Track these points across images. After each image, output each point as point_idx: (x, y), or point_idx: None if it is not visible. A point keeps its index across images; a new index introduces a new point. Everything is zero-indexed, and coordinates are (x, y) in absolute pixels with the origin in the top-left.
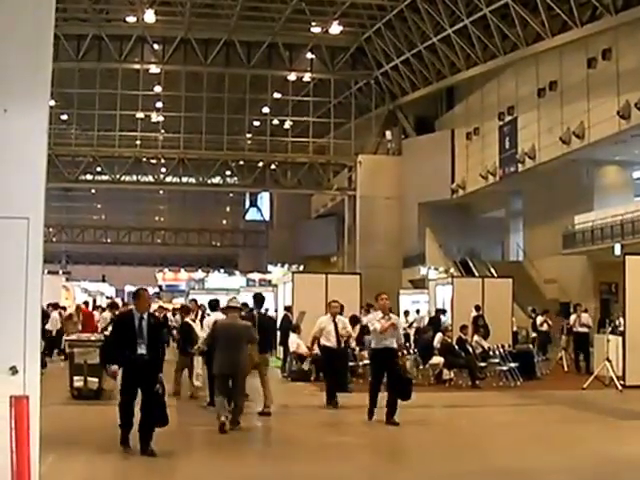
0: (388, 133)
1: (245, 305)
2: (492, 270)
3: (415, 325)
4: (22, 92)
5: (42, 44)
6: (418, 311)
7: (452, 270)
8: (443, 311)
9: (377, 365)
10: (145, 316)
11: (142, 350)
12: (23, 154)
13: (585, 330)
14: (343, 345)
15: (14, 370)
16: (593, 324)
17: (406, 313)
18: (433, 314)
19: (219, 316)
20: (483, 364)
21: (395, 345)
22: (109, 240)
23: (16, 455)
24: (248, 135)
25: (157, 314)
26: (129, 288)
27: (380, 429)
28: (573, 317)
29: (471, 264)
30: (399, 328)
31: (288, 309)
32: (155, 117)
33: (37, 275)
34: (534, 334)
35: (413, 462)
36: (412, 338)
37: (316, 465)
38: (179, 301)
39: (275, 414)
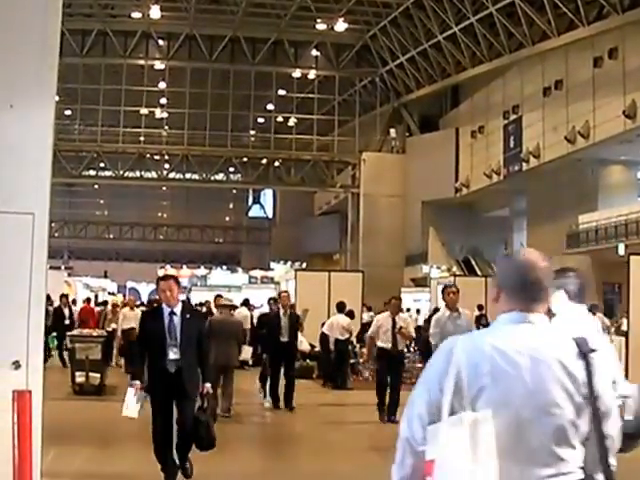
0: (392, 131)
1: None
2: (495, 269)
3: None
4: (28, 88)
5: (48, 40)
6: (418, 311)
7: (455, 269)
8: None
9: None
10: (177, 310)
11: (173, 355)
12: (29, 149)
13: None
14: (403, 347)
15: (17, 365)
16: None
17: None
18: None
19: (244, 312)
20: None
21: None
22: (112, 236)
23: (18, 449)
24: (252, 132)
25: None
26: (131, 284)
27: (382, 427)
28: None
29: (474, 263)
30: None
31: (291, 307)
32: (159, 113)
33: (41, 270)
34: None
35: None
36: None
37: (318, 463)
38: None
39: (277, 411)
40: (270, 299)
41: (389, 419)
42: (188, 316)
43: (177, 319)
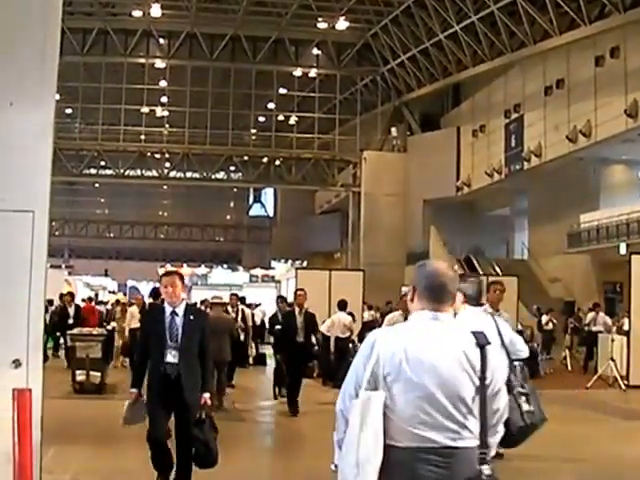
0: (393, 130)
1: (243, 299)
2: (496, 268)
3: None
4: (28, 85)
5: (49, 38)
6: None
7: (456, 268)
8: None
9: None
10: (180, 310)
11: (172, 358)
12: (29, 147)
13: (600, 329)
14: None
15: (17, 363)
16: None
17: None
18: None
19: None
20: None
21: None
22: (112, 234)
23: (18, 447)
24: (253, 130)
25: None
26: (131, 283)
27: None
28: (590, 315)
29: (475, 262)
30: None
31: (290, 305)
32: (160, 112)
33: (41, 268)
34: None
35: None
36: None
37: (319, 462)
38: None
39: (277, 410)
40: (279, 297)
41: None
42: (192, 317)
43: (179, 319)
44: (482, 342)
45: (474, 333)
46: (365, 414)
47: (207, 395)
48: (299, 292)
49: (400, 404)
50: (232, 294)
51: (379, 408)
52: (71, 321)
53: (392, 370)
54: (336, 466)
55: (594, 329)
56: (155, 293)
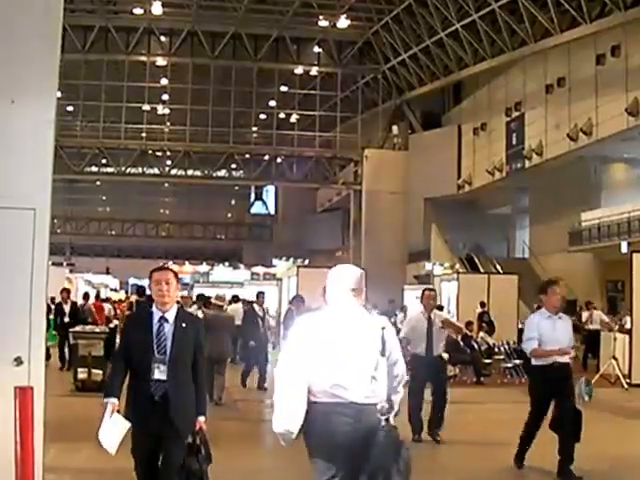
0: (395, 128)
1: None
2: (498, 266)
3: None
4: (30, 83)
5: (50, 35)
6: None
7: (457, 266)
8: (440, 308)
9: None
10: (170, 315)
11: (159, 374)
12: (30, 145)
13: (597, 327)
14: (443, 351)
15: (19, 361)
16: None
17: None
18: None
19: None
20: (488, 361)
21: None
22: (113, 232)
23: (20, 446)
24: (254, 128)
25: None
26: (133, 280)
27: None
28: (586, 314)
29: (477, 260)
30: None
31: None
32: (161, 109)
33: (43, 266)
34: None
35: (418, 457)
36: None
37: None
38: (183, 294)
39: None
40: (296, 297)
41: (433, 438)
42: (184, 324)
43: (169, 327)
44: (382, 325)
45: (377, 319)
46: (293, 379)
47: (202, 419)
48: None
49: (320, 370)
50: (259, 292)
51: (304, 373)
52: (67, 319)
53: (314, 345)
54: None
55: (591, 327)
56: (142, 291)
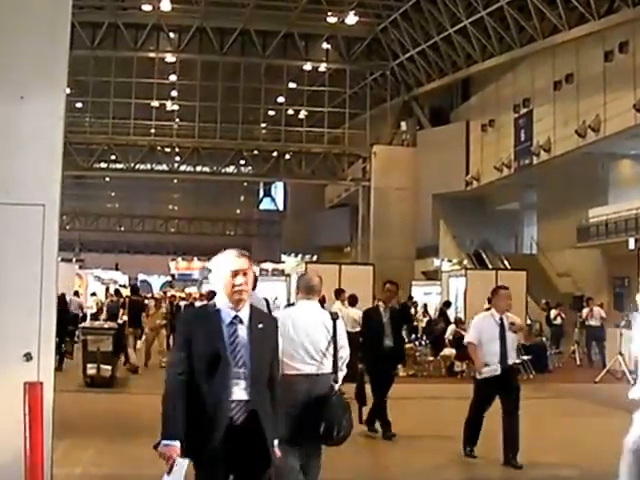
0: (403, 124)
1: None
2: (505, 263)
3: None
4: (39, 79)
5: (59, 31)
6: (425, 306)
7: (465, 262)
8: (448, 303)
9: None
10: (244, 314)
11: (240, 393)
12: (40, 141)
13: (597, 323)
14: (518, 361)
15: (28, 356)
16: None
17: (414, 304)
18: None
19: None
20: None
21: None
22: (122, 228)
23: (30, 441)
24: (263, 125)
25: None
26: (142, 276)
27: (396, 422)
28: (585, 310)
29: (484, 256)
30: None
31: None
32: (170, 106)
33: (52, 262)
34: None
35: (424, 453)
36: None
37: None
38: (192, 290)
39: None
40: (338, 290)
41: (510, 463)
42: (261, 325)
43: (244, 330)
44: (334, 317)
45: (330, 312)
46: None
47: (277, 442)
48: (388, 285)
49: (287, 349)
50: (339, 289)
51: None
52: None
53: (284, 330)
54: None
55: (592, 323)
56: (135, 289)
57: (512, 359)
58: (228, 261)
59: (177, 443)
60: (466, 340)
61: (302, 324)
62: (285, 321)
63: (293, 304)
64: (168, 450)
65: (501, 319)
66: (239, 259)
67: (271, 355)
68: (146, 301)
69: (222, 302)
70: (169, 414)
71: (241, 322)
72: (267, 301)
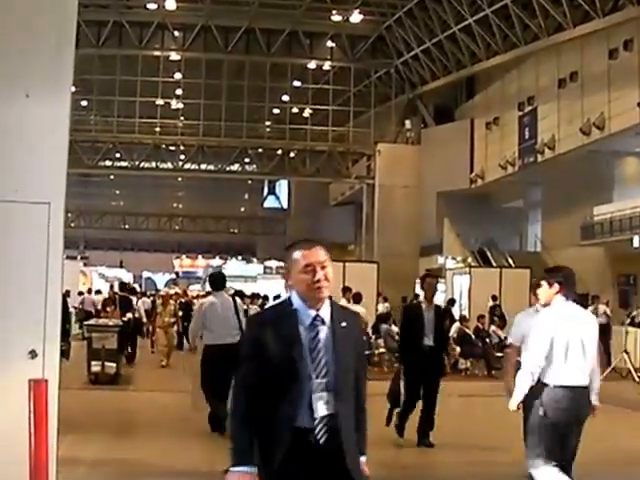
0: (407, 122)
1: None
2: (510, 260)
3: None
4: (44, 77)
5: (64, 30)
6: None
7: (470, 260)
8: (452, 301)
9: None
10: (325, 313)
11: (323, 407)
12: (45, 139)
13: (603, 321)
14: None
15: (33, 354)
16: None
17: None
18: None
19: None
20: (499, 354)
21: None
22: (127, 226)
23: (34, 437)
24: (267, 123)
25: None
26: (147, 274)
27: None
28: (590, 308)
29: (489, 254)
30: None
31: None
32: (175, 104)
33: (58, 259)
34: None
35: (428, 450)
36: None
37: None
38: (196, 287)
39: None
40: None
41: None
42: (344, 324)
43: (326, 331)
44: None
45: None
46: None
47: (364, 459)
48: (428, 279)
49: None
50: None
51: None
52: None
53: None
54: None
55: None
56: (125, 286)
57: None
58: (302, 254)
59: (250, 469)
60: (508, 341)
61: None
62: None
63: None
64: (239, 478)
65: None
66: (315, 251)
67: (356, 359)
68: (147, 299)
69: (297, 302)
70: (238, 436)
71: (323, 322)
72: (235, 300)
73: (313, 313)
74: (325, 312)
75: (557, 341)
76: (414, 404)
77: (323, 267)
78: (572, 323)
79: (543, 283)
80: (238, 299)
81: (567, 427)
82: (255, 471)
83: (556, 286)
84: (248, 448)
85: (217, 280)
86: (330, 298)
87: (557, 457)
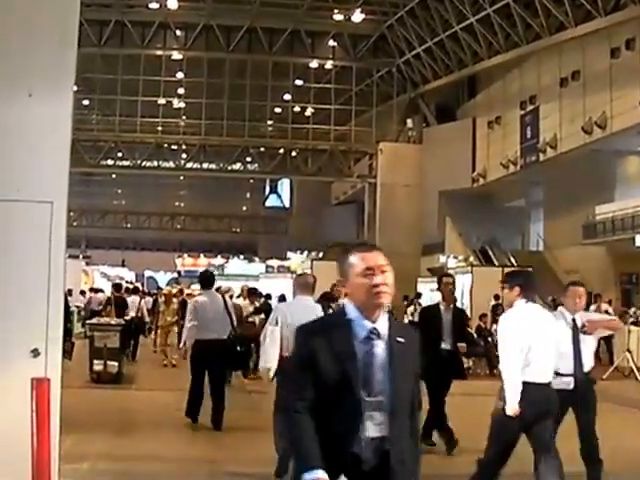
0: (409, 121)
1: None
2: (512, 259)
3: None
4: (47, 77)
5: (67, 30)
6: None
7: (472, 259)
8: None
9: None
10: (382, 326)
11: (375, 429)
12: (47, 138)
13: None
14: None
15: (36, 353)
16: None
17: (418, 296)
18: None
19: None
20: None
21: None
22: (129, 225)
23: (37, 436)
24: (269, 122)
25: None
26: (149, 273)
27: None
28: (593, 307)
29: (491, 253)
30: None
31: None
32: (177, 103)
33: (60, 258)
34: None
35: (430, 449)
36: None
37: None
38: (197, 287)
39: None
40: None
41: None
42: (401, 339)
43: (382, 346)
44: (326, 308)
45: (323, 305)
46: (272, 337)
47: None
48: (445, 278)
49: (285, 333)
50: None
51: (278, 334)
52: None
53: (285, 318)
54: None
55: None
56: (118, 287)
57: (588, 367)
58: (362, 256)
59: (321, 472)
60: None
61: (298, 316)
62: (285, 311)
63: (285, 299)
64: (315, 478)
65: (574, 320)
66: (375, 254)
67: (413, 379)
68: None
69: (352, 312)
70: (301, 445)
71: (379, 336)
72: (224, 298)
73: (369, 325)
74: (382, 325)
75: (520, 342)
76: (441, 410)
77: (383, 271)
78: (533, 324)
79: (505, 287)
80: (228, 298)
81: (530, 422)
82: (322, 472)
83: (517, 289)
84: (313, 452)
85: (206, 279)
86: (390, 312)
87: (506, 458)
